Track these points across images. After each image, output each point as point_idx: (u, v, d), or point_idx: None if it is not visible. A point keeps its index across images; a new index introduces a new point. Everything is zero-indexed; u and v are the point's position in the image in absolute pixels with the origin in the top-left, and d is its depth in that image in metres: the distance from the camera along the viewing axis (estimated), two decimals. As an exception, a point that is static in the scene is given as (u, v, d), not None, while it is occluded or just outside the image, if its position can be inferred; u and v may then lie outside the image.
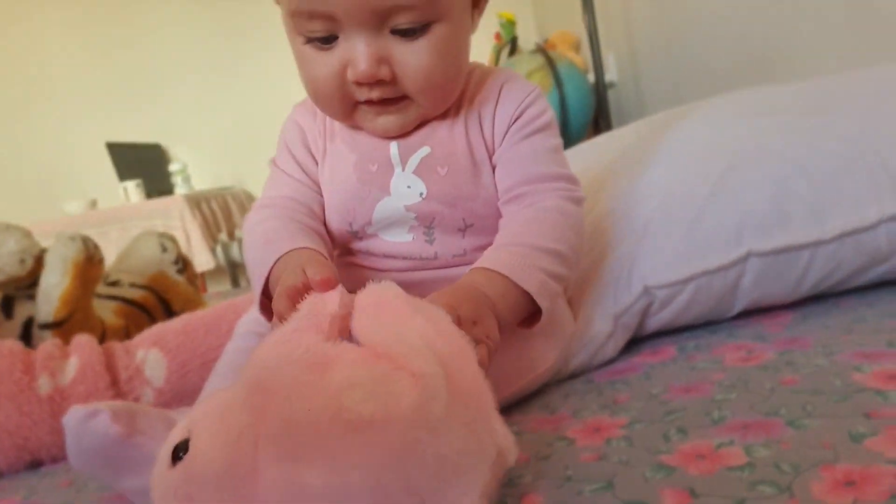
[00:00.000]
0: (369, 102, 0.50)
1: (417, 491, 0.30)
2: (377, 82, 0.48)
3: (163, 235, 1.14)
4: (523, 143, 0.54)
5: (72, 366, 0.67)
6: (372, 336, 0.37)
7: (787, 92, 0.80)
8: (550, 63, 2.02)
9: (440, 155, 0.53)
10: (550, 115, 0.56)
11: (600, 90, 2.09)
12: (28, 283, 0.87)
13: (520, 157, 0.53)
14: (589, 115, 2.09)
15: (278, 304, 0.43)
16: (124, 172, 2.74)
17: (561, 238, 0.50)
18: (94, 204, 2.73)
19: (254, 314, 0.58)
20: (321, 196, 0.58)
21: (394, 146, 0.54)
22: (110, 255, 1.08)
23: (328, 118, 0.57)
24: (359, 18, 0.45)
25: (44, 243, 0.89)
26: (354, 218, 0.55)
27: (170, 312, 1.03)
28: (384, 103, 0.50)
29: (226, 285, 2.71)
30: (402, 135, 0.54)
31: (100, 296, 0.96)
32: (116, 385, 0.68)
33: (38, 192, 3.11)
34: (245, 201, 2.97)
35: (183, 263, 1.13)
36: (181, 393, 0.71)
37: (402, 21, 0.46)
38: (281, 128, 0.61)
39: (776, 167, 0.63)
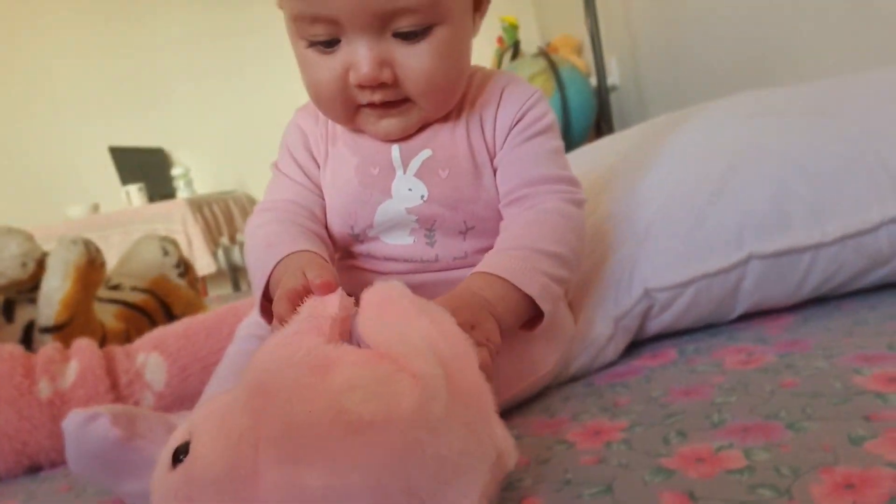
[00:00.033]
0: (371, 105, 0.50)
1: (417, 492, 0.30)
2: (379, 85, 0.48)
3: (164, 239, 1.14)
4: (524, 145, 0.54)
5: (72, 369, 0.67)
6: (375, 334, 0.37)
7: (787, 94, 0.80)
8: (552, 66, 2.03)
9: (441, 158, 0.53)
10: (551, 117, 0.56)
11: (602, 93, 2.09)
12: (29, 287, 0.87)
13: (521, 160, 0.53)
14: (591, 118, 2.09)
15: (278, 306, 0.43)
16: (127, 176, 2.75)
17: (562, 240, 0.50)
18: (96, 208, 2.74)
19: (255, 317, 0.58)
20: (323, 199, 0.58)
21: (395, 149, 0.54)
22: (112, 259, 1.08)
23: (330, 122, 0.57)
24: (361, 22, 0.46)
25: (46, 247, 0.89)
26: (356, 221, 0.55)
27: (171, 316, 1.03)
28: (386, 106, 0.51)
29: (227, 289, 2.71)
30: (403, 138, 0.54)
31: (101, 299, 0.96)
32: (116, 389, 0.68)
33: (40, 196, 3.12)
34: (247, 205, 2.98)
35: (184, 267, 1.13)
36: (181, 397, 0.71)
37: (404, 24, 0.46)
38: (283, 132, 0.61)
39: (777, 169, 0.63)
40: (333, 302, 0.40)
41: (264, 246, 0.52)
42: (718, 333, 0.62)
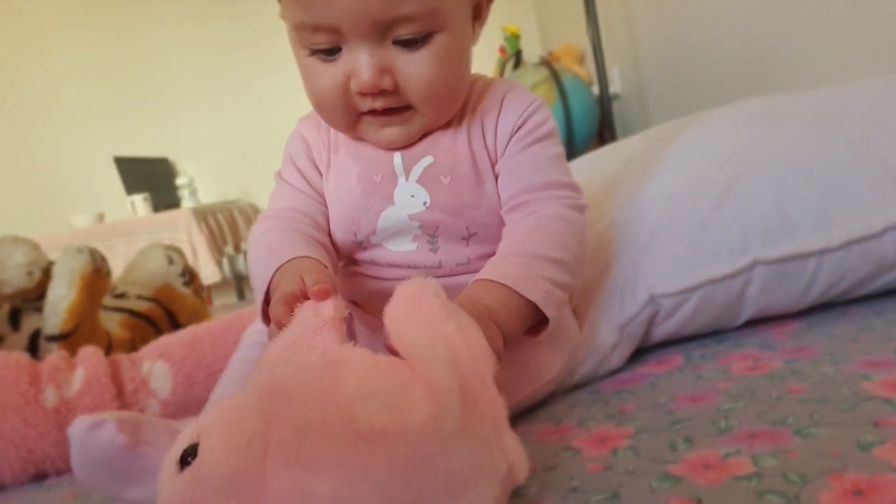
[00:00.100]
0: (373, 113, 0.51)
1: (427, 504, 0.30)
2: (380, 92, 0.49)
3: (169, 248, 1.14)
4: (525, 151, 0.54)
5: (78, 377, 0.67)
6: (400, 329, 0.36)
7: (790, 101, 0.80)
8: (555, 76, 2.03)
9: (443, 164, 0.54)
10: (552, 124, 0.56)
11: (604, 102, 2.10)
12: (35, 296, 0.87)
13: (522, 166, 0.54)
14: (593, 126, 2.09)
15: (275, 309, 0.43)
16: (132, 186, 2.77)
17: (563, 246, 0.50)
18: (101, 217, 2.75)
19: (259, 325, 0.58)
20: (325, 207, 0.58)
21: (397, 156, 0.54)
22: (117, 269, 1.08)
23: (332, 131, 0.58)
24: (362, 30, 0.46)
25: (52, 256, 0.90)
26: (359, 228, 0.55)
27: (176, 325, 1.03)
28: (388, 113, 0.51)
29: (231, 298, 2.71)
30: (405, 145, 0.54)
31: (106, 308, 0.96)
32: (122, 397, 0.68)
33: (46, 206, 3.13)
34: (251, 214, 2.99)
35: (189, 276, 1.13)
36: (186, 405, 0.71)
37: (404, 32, 0.47)
38: (286, 141, 0.62)
39: (781, 175, 0.63)
40: (328, 305, 0.40)
41: (266, 252, 0.52)
42: (724, 340, 0.61)
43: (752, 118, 0.77)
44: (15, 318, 0.87)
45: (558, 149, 0.56)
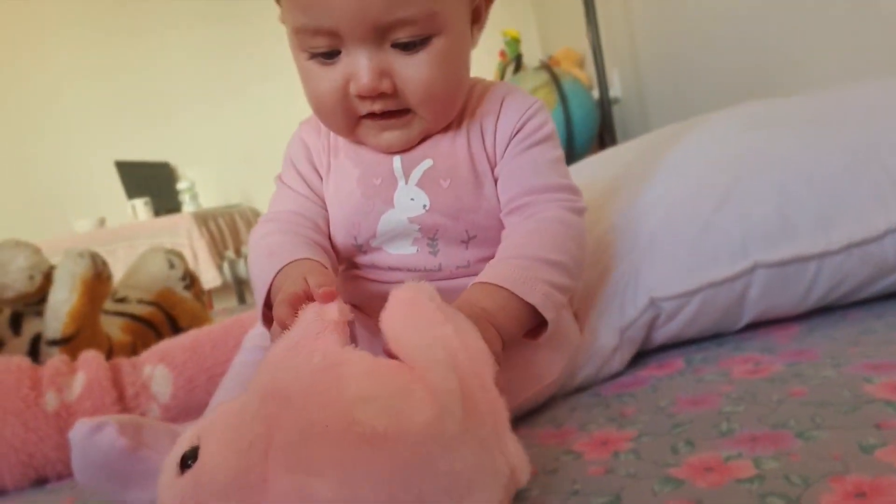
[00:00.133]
0: (372, 116, 0.51)
1: (429, 506, 0.30)
2: (379, 95, 0.49)
3: (170, 252, 1.14)
4: (524, 154, 0.54)
5: (78, 381, 0.67)
6: (398, 333, 0.37)
7: (790, 104, 0.80)
8: (555, 79, 2.04)
9: (442, 167, 0.54)
10: (551, 126, 0.56)
11: (605, 106, 2.10)
12: (37, 300, 0.87)
13: (521, 169, 0.54)
14: (594, 130, 2.09)
15: (279, 310, 0.43)
16: (133, 190, 2.77)
17: (562, 248, 0.50)
18: (102, 222, 2.75)
19: (260, 328, 0.58)
20: (326, 211, 0.58)
21: (397, 160, 0.54)
22: (118, 273, 1.08)
23: (332, 135, 0.58)
24: (360, 33, 0.46)
25: (53, 260, 0.90)
26: (359, 231, 0.56)
27: (177, 329, 1.03)
28: (387, 117, 0.51)
29: (232, 302, 2.71)
30: (404, 149, 0.54)
31: (107, 312, 0.96)
32: (123, 401, 0.68)
33: (47, 210, 3.14)
34: (252, 219, 2.99)
35: (190, 280, 1.13)
36: (187, 409, 0.71)
37: (403, 35, 0.47)
38: (287, 145, 0.62)
39: (781, 178, 0.63)
40: (332, 308, 0.40)
41: (266, 255, 0.52)
42: (725, 343, 0.61)
43: (752, 122, 0.77)
44: (16, 323, 0.87)
45: (557, 152, 0.56)
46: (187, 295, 1.11)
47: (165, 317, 1.03)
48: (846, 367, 0.48)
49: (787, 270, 0.60)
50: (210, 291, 2.51)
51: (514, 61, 2.48)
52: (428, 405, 0.32)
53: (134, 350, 0.90)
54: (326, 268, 0.50)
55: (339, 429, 0.30)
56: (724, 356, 0.57)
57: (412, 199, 0.54)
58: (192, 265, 2.12)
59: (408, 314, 0.37)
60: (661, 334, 0.62)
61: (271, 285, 0.50)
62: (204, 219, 2.59)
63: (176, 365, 0.72)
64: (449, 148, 0.54)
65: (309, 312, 0.40)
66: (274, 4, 0.52)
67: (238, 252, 2.71)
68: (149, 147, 3.10)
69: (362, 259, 0.57)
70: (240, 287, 2.63)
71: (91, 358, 0.70)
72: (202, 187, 3.04)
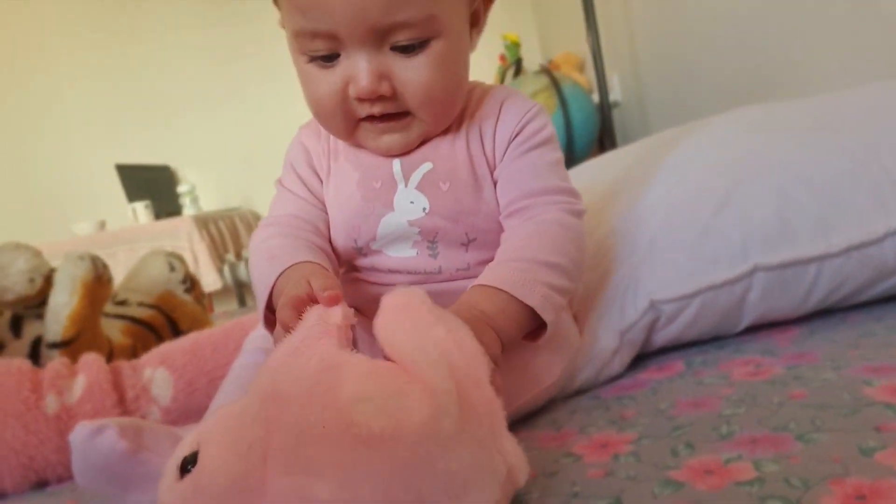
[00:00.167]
0: (371, 119, 0.51)
1: (427, 506, 0.30)
2: (378, 98, 0.49)
3: (171, 255, 1.15)
4: (524, 157, 0.54)
5: (79, 384, 0.67)
6: (391, 339, 0.37)
7: (790, 108, 0.80)
8: (555, 83, 2.04)
9: (442, 170, 0.54)
10: (550, 129, 0.56)
11: (605, 110, 2.11)
12: (37, 303, 0.87)
13: (520, 172, 0.54)
14: (593, 134, 2.10)
15: (282, 313, 0.43)
16: (133, 194, 2.77)
17: (561, 251, 0.51)
18: (103, 225, 2.75)
19: (261, 331, 0.58)
20: (326, 214, 0.58)
21: (396, 163, 0.54)
22: (119, 276, 1.08)
23: (332, 138, 0.58)
24: (360, 36, 0.47)
25: (53, 263, 0.90)
26: (359, 234, 0.56)
27: (177, 331, 1.03)
28: (386, 120, 0.51)
29: (233, 305, 2.71)
30: (404, 152, 0.54)
31: (108, 315, 0.96)
32: (123, 404, 0.68)
33: (48, 213, 3.14)
34: (252, 222, 2.99)
35: (191, 283, 1.13)
36: (188, 411, 0.71)
37: (402, 38, 0.47)
38: (287, 149, 0.62)
39: (781, 181, 0.64)
40: (337, 312, 0.40)
41: (267, 258, 0.53)
42: (725, 346, 0.61)
43: (752, 125, 0.77)
44: (16, 325, 0.87)
45: (557, 154, 0.56)
46: (188, 298, 1.11)
47: (166, 320, 1.04)
48: (846, 370, 0.48)
49: (786, 273, 0.60)
50: (210, 294, 2.51)
51: (514, 65, 2.48)
52: (425, 405, 0.32)
53: (134, 353, 0.90)
54: (328, 270, 0.50)
55: (338, 430, 0.31)
56: (724, 359, 0.57)
57: (412, 202, 0.54)
58: (192, 268, 2.12)
59: (400, 318, 0.38)
60: (661, 337, 0.62)
61: (273, 288, 0.50)
62: (204, 222, 2.59)
63: (176, 368, 0.72)
64: (448, 151, 0.54)
65: (312, 316, 0.40)
66: (274, 8, 0.53)
67: (238, 255, 2.71)
68: (149, 150, 3.11)
69: (362, 262, 0.58)
70: (240, 290, 2.63)
71: (91, 361, 0.70)
72: (202, 190, 3.05)
